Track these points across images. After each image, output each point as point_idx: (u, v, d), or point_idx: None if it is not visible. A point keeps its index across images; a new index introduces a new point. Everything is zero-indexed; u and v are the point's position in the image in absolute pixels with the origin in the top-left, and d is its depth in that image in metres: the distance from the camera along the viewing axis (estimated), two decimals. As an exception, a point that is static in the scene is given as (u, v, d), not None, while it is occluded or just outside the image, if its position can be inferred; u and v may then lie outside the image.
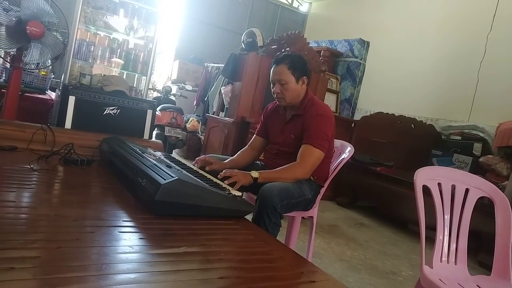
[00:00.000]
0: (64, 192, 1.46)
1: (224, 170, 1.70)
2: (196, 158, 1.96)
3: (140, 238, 1.08)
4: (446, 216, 1.59)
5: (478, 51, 4.86)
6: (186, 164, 1.75)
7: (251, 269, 1.03)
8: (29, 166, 1.49)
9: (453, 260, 1.59)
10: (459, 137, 4.60)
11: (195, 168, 1.75)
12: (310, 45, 4.34)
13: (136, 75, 4.19)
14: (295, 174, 1.85)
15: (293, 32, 4.10)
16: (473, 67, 4.90)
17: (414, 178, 1.56)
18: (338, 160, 2.17)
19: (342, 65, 5.35)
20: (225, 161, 2.04)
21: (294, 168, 1.85)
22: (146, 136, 2.29)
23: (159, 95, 5.48)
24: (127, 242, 1.01)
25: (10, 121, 2.04)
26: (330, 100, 4.85)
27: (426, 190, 1.56)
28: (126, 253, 0.93)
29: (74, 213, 1.15)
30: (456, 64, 5.19)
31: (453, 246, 1.60)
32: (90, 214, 1.20)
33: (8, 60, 2.41)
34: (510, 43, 4.63)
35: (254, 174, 1.75)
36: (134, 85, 4.19)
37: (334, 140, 2.10)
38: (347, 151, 2.17)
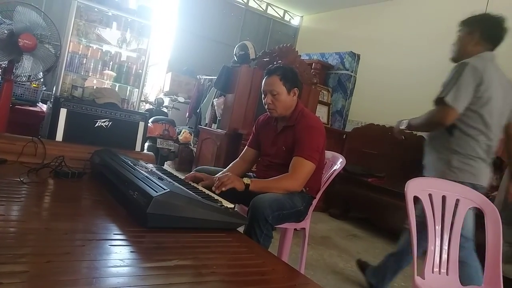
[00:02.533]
0: (55, 205, 1.44)
1: (219, 174, 1.72)
2: (186, 175, 1.94)
3: (131, 252, 1.07)
4: (437, 227, 1.60)
5: (466, 64, 4.94)
6: (178, 176, 1.74)
7: (243, 282, 1.02)
8: (19, 179, 1.48)
9: (445, 270, 1.60)
10: (449, 148, 4.65)
11: (186, 180, 1.75)
12: (301, 58, 4.39)
13: (129, 87, 4.20)
14: (286, 186, 1.85)
15: (284, 45, 4.15)
16: (461, 79, 4.98)
17: (405, 189, 1.57)
18: (330, 172, 2.18)
19: (333, 78, 5.41)
20: (216, 175, 2.02)
21: (286, 180, 1.86)
22: (138, 148, 2.28)
23: (151, 107, 5.48)
24: (118, 255, 1.00)
25: (0, 134, 2.02)
26: (321, 112, 4.89)
27: (417, 201, 1.58)
28: (117, 266, 0.92)
29: (65, 227, 1.14)
30: (446, 76, 5.27)
31: (445, 256, 1.61)
32: (81, 227, 1.19)
33: (-1, 73, 2.40)
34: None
35: (246, 180, 1.76)
36: (126, 97, 4.20)
37: (326, 151, 2.12)
38: (339, 163, 2.19)
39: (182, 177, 1.79)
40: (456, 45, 2.13)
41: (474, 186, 1.87)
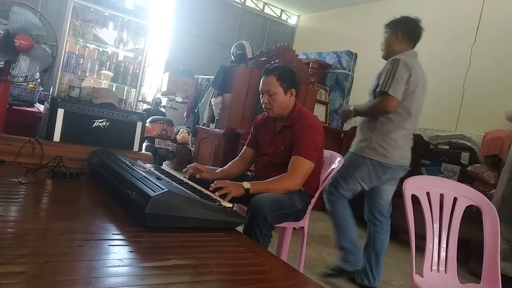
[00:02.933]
0: (53, 205, 1.44)
1: (215, 181, 1.70)
2: (187, 166, 1.96)
3: (129, 251, 1.07)
4: (435, 225, 1.61)
5: (463, 62, 4.96)
6: (176, 176, 1.74)
7: (242, 281, 1.02)
8: (16, 180, 1.47)
9: (443, 268, 1.61)
10: (447, 147, 4.66)
11: (185, 180, 1.74)
12: (298, 57, 4.38)
13: (126, 88, 4.19)
14: (286, 186, 1.85)
15: (282, 44, 4.15)
16: (459, 78, 5.00)
17: (403, 187, 1.58)
18: (328, 171, 2.18)
19: (330, 77, 5.41)
20: (216, 171, 2.04)
21: (286, 180, 1.86)
22: (136, 148, 2.28)
23: (149, 107, 5.47)
24: (117, 255, 1.00)
25: (-3, 135, 2.01)
26: (319, 111, 4.89)
27: (415, 199, 1.58)
28: (116, 266, 0.92)
29: (63, 227, 1.14)
30: (442, 75, 5.28)
31: (443, 254, 1.61)
32: (79, 227, 1.19)
33: (-4, 73, 2.39)
34: (493, 54, 4.75)
35: (246, 185, 1.75)
36: (124, 97, 4.18)
37: (324, 150, 2.12)
38: (337, 162, 2.19)
39: (181, 177, 1.78)
40: (384, 45, 2.44)
41: (381, 164, 2.27)
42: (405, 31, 2.35)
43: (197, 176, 1.89)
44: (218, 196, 1.57)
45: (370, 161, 2.28)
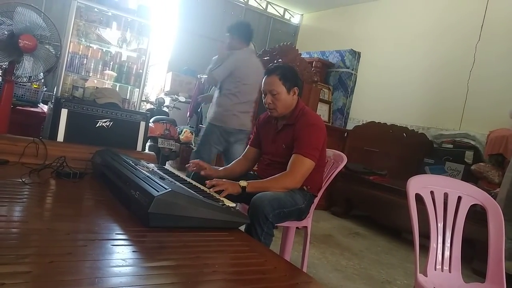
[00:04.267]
0: (57, 205, 1.44)
1: (213, 179, 1.70)
2: (190, 161, 1.97)
3: (133, 251, 1.07)
4: (439, 224, 1.60)
5: (467, 61, 4.94)
6: (179, 176, 1.74)
7: (245, 281, 1.02)
8: (20, 180, 1.48)
9: (447, 268, 1.60)
10: (450, 145, 4.65)
11: (188, 180, 1.75)
12: (302, 56, 4.38)
13: (129, 87, 4.21)
14: (284, 184, 1.85)
15: (285, 43, 4.15)
16: (463, 76, 4.98)
17: (407, 186, 1.57)
18: (332, 170, 2.18)
19: (334, 76, 5.41)
20: (219, 169, 2.05)
21: (284, 178, 1.86)
22: (139, 148, 2.28)
23: (152, 107, 5.48)
24: (120, 255, 1.00)
25: (1, 135, 2.02)
26: (322, 110, 4.88)
27: (419, 199, 1.57)
28: (119, 266, 0.92)
29: (67, 227, 1.14)
30: (446, 74, 5.27)
31: (447, 254, 1.61)
32: (83, 227, 1.19)
33: (0, 74, 2.40)
34: (498, 52, 4.72)
35: (243, 183, 1.75)
36: (127, 97, 4.20)
37: (327, 150, 2.12)
38: (340, 161, 2.18)
39: (184, 176, 1.79)
40: (228, 46, 3.08)
41: (223, 128, 2.98)
42: (239, 34, 3.02)
43: (202, 173, 1.90)
44: (214, 191, 1.58)
45: (215, 127, 2.99)
